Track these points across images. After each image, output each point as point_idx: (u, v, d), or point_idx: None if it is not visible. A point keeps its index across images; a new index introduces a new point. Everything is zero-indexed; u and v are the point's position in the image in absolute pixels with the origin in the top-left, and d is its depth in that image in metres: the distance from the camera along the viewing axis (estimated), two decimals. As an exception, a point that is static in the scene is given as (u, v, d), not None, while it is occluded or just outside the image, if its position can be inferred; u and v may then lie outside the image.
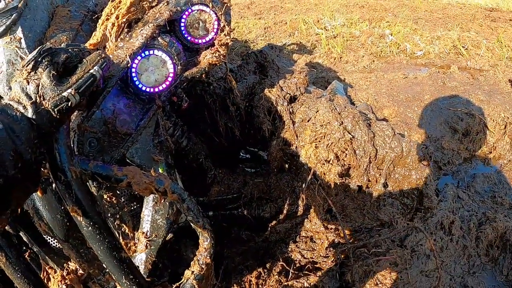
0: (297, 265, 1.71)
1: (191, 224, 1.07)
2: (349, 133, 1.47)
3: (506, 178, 2.61)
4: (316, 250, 1.71)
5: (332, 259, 1.60)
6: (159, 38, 1.16)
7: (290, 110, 1.61)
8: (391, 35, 4.30)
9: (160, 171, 1.17)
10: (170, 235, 1.37)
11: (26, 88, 0.80)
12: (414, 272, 1.72)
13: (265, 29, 4.79)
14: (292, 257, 1.73)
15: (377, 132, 1.50)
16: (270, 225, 1.84)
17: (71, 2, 1.38)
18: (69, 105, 0.80)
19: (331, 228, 1.73)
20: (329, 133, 1.47)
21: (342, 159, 1.47)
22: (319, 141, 1.48)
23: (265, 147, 1.82)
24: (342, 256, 1.54)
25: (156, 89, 1.14)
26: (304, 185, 1.50)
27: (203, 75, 1.26)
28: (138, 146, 1.12)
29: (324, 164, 1.47)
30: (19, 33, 1.16)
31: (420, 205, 1.84)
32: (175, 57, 1.17)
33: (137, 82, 1.11)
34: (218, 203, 1.91)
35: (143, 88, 1.12)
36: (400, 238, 1.76)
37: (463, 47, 4.06)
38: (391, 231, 1.71)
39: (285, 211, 1.84)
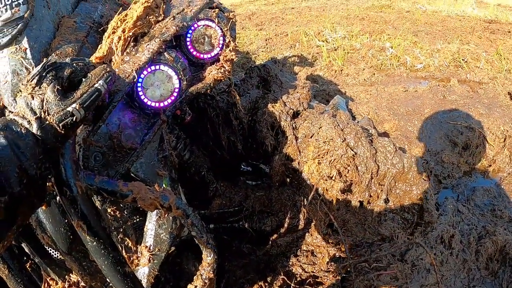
0: (298, 279, 1.70)
1: (195, 239, 1.07)
2: (352, 150, 1.48)
3: (506, 192, 2.61)
4: (317, 264, 1.70)
5: (334, 274, 1.59)
6: (165, 53, 1.17)
7: (293, 125, 1.62)
8: (392, 48, 4.32)
9: (164, 185, 1.18)
10: (172, 248, 1.37)
11: (30, 103, 0.79)
12: (415, 286, 1.71)
13: (266, 40, 4.82)
14: (293, 271, 1.72)
15: (379, 148, 1.51)
16: (271, 239, 1.83)
17: (76, 13, 1.38)
18: (74, 120, 0.80)
19: (332, 243, 1.72)
20: (332, 149, 1.48)
21: (345, 175, 1.48)
22: (322, 157, 1.49)
23: (267, 162, 1.82)
24: (343, 270, 1.54)
25: (161, 104, 1.15)
26: (306, 201, 1.50)
27: (208, 90, 1.27)
28: (142, 161, 1.13)
29: (326, 180, 1.47)
30: (24, 43, 1.16)
31: (421, 220, 1.84)
32: (181, 73, 1.18)
33: (142, 97, 1.12)
34: (220, 216, 1.90)
35: (149, 103, 1.13)
36: (401, 252, 1.76)
37: (462, 59, 4.08)
38: (392, 246, 1.71)
39: (286, 225, 1.83)
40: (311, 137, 1.56)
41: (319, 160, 1.49)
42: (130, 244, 1.21)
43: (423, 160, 1.72)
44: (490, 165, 2.81)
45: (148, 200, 0.92)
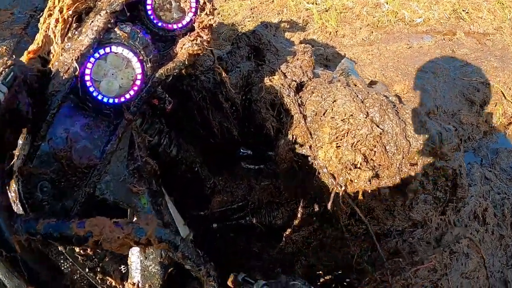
0: (321, 280, 1.48)
1: (192, 273, 0.81)
2: (378, 126, 1.19)
3: (530, 151, 2.42)
4: (341, 261, 1.47)
5: (363, 273, 1.36)
6: (116, 30, 0.86)
7: (299, 101, 1.32)
8: (387, 3, 4.06)
9: (144, 204, 0.90)
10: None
11: None
12: (455, 276, 1.50)
13: (251, 9, 4.51)
14: (315, 271, 1.50)
15: (407, 120, 1.23)
16: (284, 234, 1.63)
17: (16, 3, 1.21)
18: None
19: (357, 234, 1.49)
20: (354, 129, 1.18)
21: (371, 159, 1.20)
22: (341, 140, 1.20)
23: (270, 148, 1.55)
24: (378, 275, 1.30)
25: (123, 99, 0.85)
26: (329, 201, 1.23)
27: (184, 70, 0.98)
28: (108, 179, 0.83)
29: (351, 170, 1.19)
30: None
31: (453, 196, 1.60)
32: (141, 52, 0.87)
33: (94, 93, 0.81)
34: (222, 215, 1.70)
35: (105, 100, 0.83)
36: (435, 238, 1.54)
37: (463, 10, 3.83)
38: (425, 232, 1.48)
39: (299, 215, 1.62)
40: (324, 115, 1.26)
41: (337, 144, 1.21)
42: (113, 283, 0.94)
43: (453, 128, 1.45)
44: (510, 123, 2.60)
45: (116, 240, 0.64)
